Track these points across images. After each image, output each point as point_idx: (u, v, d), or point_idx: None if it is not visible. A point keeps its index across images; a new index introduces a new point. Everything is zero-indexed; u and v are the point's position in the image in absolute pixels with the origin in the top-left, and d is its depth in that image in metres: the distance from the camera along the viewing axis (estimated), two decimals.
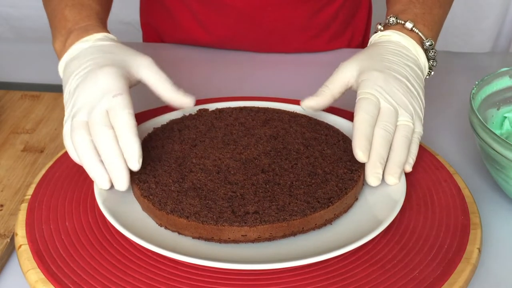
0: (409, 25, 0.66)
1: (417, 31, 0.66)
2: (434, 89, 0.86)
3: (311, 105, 0.63)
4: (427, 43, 0.65)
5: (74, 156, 0.57)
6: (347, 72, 0.63)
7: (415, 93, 0.62)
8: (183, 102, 0.62)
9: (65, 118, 0.59)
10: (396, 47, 0.65)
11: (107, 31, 0.65)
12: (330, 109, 0.69)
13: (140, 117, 0.70)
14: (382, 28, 0.68)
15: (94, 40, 0.63)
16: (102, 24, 0.67)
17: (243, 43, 0.96)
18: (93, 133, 0.55)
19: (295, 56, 0.97)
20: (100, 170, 0.54)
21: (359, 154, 0.55)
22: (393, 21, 0.67)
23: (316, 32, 0.96)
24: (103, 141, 0.54)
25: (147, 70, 0.61)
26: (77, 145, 0.55)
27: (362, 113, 0.57)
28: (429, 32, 0.67)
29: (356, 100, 0.60)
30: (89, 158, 0.54)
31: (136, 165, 0.53)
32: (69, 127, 0.57)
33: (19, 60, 0.94)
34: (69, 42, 0.64)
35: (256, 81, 0.89)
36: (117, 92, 0.56)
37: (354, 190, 0.55)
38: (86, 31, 0.64)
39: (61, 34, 0.65)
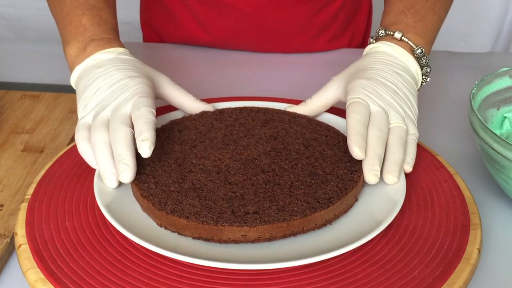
0: (397, 35, 0.67)
1: (406, 40, 0.67)
2: (434, 89, 0.86)
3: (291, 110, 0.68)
4: (418, 51, 0.66)
5: (84, 150, 0.58)
6: (331, 88, 0.66)
7: (404, 97, 0.62)
8: (205, 109, 0.67)
9: (82, 114, 0.61)
10: (384, 56, 0.66)
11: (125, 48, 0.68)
12: (331, 109, 0.69)
13: None
14: (373, 41, 0.69)
15: (117, 53, 0.66)
16: (119, 40, 0.70)
17: (243, 43, 0.96)
18: (112, 128, 0.57)
19: (295, 56, 0.97)
20: (111, 169, 0.56)
21: (356, 151, 0.56)
22: (382, 33, 0.68)
23: (316, 32, 0.96)
24: (119, 137, 0.56)
25: (168, 85, 0.66)
26: (96, 142, 0.57)
27: (353, 115, 0.58)
28: (421, 40, 0.68)
29: (346, 106, 0.61)
30: (104, 157, 0.56)
31: (147, 151, 0.55)
32: (87, 122, 0.60)
33: (19, 60, 0.94)
34: (90, 50, 0.66)
35: (256, 81, 0.89)
36: (144, 95, 0.60)
37: (354, 190, 0.55)
38: (109, 43, 0.67)
39: (77, 40, 0.67)
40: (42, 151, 0.69)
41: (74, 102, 0.78)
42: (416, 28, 0.68)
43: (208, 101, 0.70)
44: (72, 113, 0.76)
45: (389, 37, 0.68)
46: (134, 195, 0.56)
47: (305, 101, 0.67)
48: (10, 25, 1.69)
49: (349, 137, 0.57)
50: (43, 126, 0.74)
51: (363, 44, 1.05)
